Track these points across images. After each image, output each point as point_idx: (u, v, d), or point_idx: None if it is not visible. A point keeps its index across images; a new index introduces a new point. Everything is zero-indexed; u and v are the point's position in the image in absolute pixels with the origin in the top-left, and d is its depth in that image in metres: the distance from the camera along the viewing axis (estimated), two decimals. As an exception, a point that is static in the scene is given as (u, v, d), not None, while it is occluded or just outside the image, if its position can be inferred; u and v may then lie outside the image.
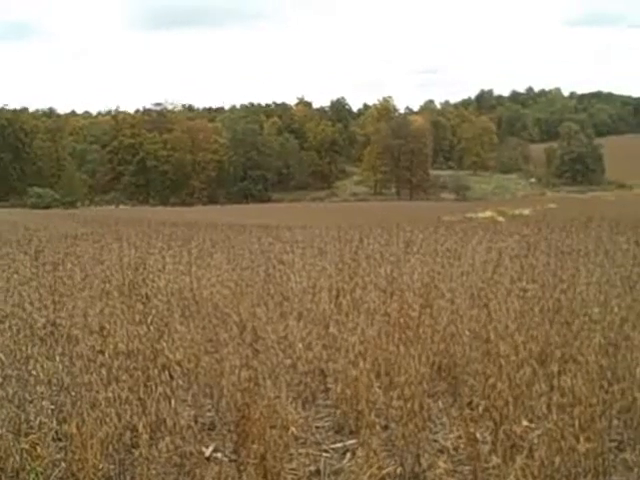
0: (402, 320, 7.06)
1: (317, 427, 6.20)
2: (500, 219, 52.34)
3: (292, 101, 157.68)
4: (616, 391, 5.67)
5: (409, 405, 5.41)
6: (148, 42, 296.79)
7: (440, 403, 6.40)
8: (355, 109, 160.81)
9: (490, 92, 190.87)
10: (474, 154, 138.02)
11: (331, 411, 6.49)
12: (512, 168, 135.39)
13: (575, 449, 4.38)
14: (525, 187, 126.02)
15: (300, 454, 5.36)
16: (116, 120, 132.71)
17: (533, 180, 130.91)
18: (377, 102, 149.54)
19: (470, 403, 5.69)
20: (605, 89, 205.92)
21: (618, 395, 5.69)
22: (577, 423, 4.55)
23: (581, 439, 4.43)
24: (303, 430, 5.87)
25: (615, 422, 5.72)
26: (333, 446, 5.82)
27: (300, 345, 7.12)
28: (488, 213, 66.72)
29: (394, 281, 9.15)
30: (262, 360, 6.24)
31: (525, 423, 4.11)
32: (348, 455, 5.50)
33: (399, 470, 4.88)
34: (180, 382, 5.94)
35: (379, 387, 5.97)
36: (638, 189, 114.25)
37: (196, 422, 5.85)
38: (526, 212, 66.60)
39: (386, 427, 5.76)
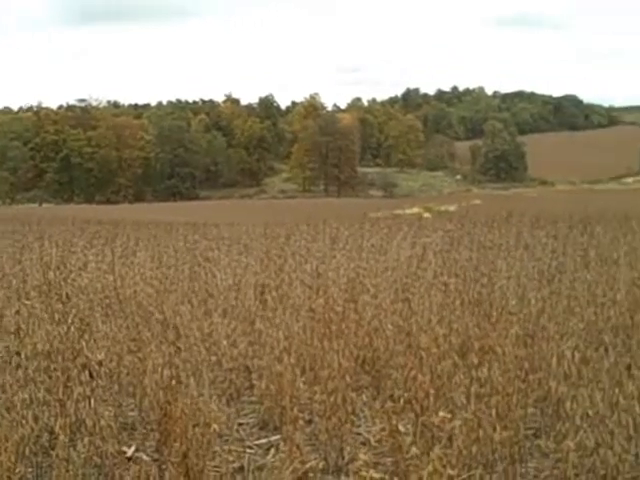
0: (327, 315, 7.10)
1: (242, 424, 6.18)
2: (427, 215, 53.02)
3: (220, 98, 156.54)
4: (533, 381, 5.85)
5: (332, 399, 5.45)
6: (72, 37, 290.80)
7: (364, 396, 6.45)
8: (283, 106, 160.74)
9: (416, 90, 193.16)
10: (401, 152, 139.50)
11: (256, 407, 6.48)
12: (438, 165, 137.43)
13: (492, 438, 4.49)
14: (451, 184, 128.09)
15: (224, 451, 5.33)
16: (38, 116, 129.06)
17: (459, 177, 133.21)
18: (304, 99, 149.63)
19: (392, 396, 5.75)
20: (527, 89, 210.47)
21: (535, 385, 5.86)
22: (494, 412, 4.66)
23: (497, 428, 4.54)
24: (227, 427, 5.84)
25: (532, 410, 5.88)
26: (257, 442, 5.81)
27: (225, 342, 7.10)
28: (415, 209, 67.47)
29: (319, 277, 9.20)
30: (185, 358, 6.20)
31: (442, 414, 4.18)
32: (272, 451, 5.49)
33: (322, 464, 4.90)
34: (101, 382, 5.83)
35: (303, 382, 5.99)
36: (560, 185, 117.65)
37: (118, 422, 5.76)
38: (452, 208, 67.60)
39: (310, 421, 5.79)
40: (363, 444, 5.53)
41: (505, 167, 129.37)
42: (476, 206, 65.22)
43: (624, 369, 5.71)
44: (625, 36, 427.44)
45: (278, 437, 5.61)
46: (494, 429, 4.54)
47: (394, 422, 5.14)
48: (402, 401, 5.27)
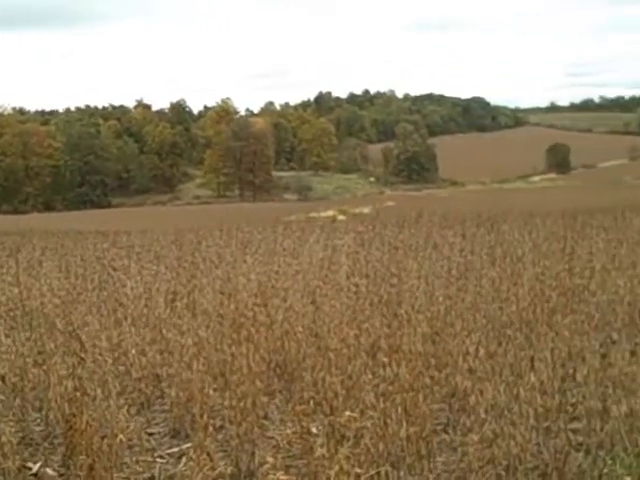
0: (237, 320, 7.08)
1: (152, 433, 6.09)
2: (341, 218, 53.42)
3: (131, 103, 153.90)
4: (441, 377, 5.98)
5: (243, 404, 5.44)
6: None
7: (277, 400, 6.47)
8: (196, 111, 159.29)
9: (328, 94, 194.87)
10: (315, 155, 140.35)
11: (167, 416, 6.39)
12: (352, 168, 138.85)
13: (398, 434, 4.56)
14: (365, 186, 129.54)
15: (134, 462, 5.25)
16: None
17: (372, 179, 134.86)
18: (217, 104, 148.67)
19: (302, 397, 5.78)
20: (436, 91, 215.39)
21: (443, 380, 6.00)
22: (400, 409, 4.74)
23: (404, 424, 4.62)
24: (137, 437, 5.74)
25: (441, 406, 6.00)
26: (169, 451, 5.74)
27: (133, 351, 6.98)
28: (330, 212, 67.95)
29: (230, 282, 9.16)
30: (92, 368, 6.07)
31: (348, 413, 4.23)
32: (184, 459, 5.44)
33: (230, 470, 4.88)
34: (2, 397, 5.65)
35: (214, 388, 5.95)
36: (470, 185, 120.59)
37: (22, 437, 5.60)
38: (366, 210, 68.37)
39: (222, 427, 5.75)
40: (275, 447, 5.53)
41: (417, 168, 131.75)
42: (390, 207, 66.21)
43: (528, 362, 5.92)
44: (528, 40, 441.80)
45: (189, 445, 5.55)
46: (401, 426, 4.62)
47: (304, 424, 5.18)
48: (312, 403, 5.30)
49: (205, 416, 5.33)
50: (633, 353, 5.98)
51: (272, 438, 5.76)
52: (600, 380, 5.59)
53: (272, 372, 6.92)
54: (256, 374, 5.94)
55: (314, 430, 5.07)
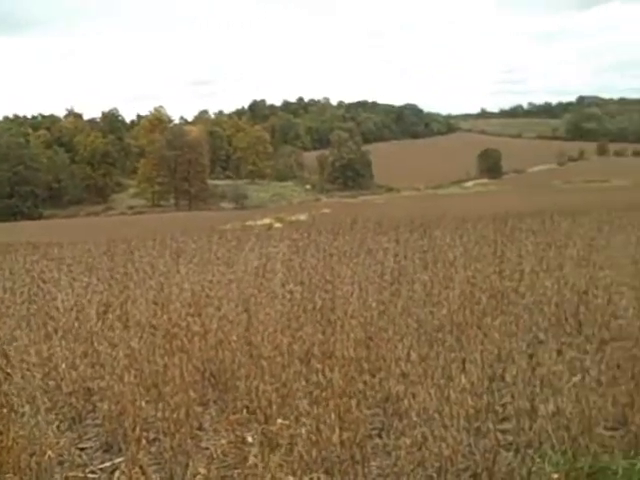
0: (170, 330, 7.02)
1: (84, 448, 5.96)
2: (278, 225, 53.37)
3: (61, 113, 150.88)
4: (375, 382, 6.03)
5: (176, 415, 5.39)
6: None
7: (212, 410, 6.41)
8: (129, 120, 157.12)
9: (263, 102, 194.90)
10: (250, 163, 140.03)
11: (99, 430, 6.28)
12: (288, 176, 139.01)
13: (331, 440, 4.58)
14: (301, 194, 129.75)
15: (64, 478, 5.14)
16: None
17: (308, 187, 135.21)
18: (150, 113, 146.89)
19: (236, 407, 5.76)
20: (370, 98, 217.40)
21: (377, 385, 6.04)
22: (334, 415, 4.76)
23: (337, 430, 4.64)
24: (69, 453, 5.62)
25: (375, 411, 6.04)
26: (101, 466, 5.62)
27: (64, 365, 6.84)
28: (267, 220, 67.82)
29: (164, 292, 9.07)
30: (20, 384, 5.92)
31: (280, 421, 4.23)
32: (117, 474, 5.35)
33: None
34: None
35: (147, 400, 5.87)
36: (405, 191, 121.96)
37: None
38: (303, 218, 68.47)
39: (155, 440, 5.68)
40: (209, 458, 5.49)
41: (352, 175, 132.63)
42: (326, 214, 66.47)
43: (459, 364, 6.02)
44: (459, 48, 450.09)
45: (122, 459, 5.46)
46: (333, 431, 4.64)
47: (239, 433, 5.15)
48: (246, 411, 5.29)
49: (138, 429, 5.27)
50: (559, 352, 6.15)
51: (207, 449, 5.71)
52: (528, 380, 5.72)
53: (206, 382, 6.86)
54: (189, 384, 5.89)
55: (249, 439, 5.05)
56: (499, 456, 4.82)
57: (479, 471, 4.68)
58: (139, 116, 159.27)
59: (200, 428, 5.88)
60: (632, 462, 4.59)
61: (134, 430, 5.23)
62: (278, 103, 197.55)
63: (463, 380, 5.46)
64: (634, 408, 5.38)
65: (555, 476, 4.39)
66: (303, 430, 4.62)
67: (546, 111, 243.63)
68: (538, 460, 4.73)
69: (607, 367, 6.18)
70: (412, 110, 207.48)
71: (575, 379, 5.38)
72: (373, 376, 6.16)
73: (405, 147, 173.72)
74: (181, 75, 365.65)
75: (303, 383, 5.45)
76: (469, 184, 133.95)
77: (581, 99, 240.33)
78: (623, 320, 7.40)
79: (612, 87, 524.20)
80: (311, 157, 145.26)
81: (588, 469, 4.60)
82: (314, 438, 4.59)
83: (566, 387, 5.35)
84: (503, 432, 5.42)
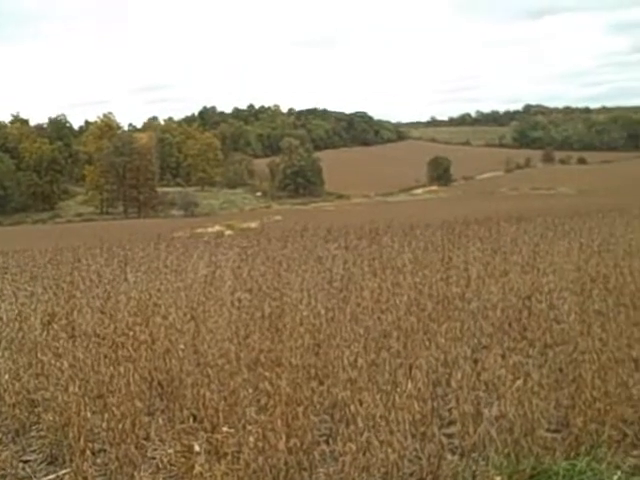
0: (117, 340, 6.94)
1: (28, 460, 5.86)
2: (229, 233, 53.19)
3: (6, 118, 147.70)
4: (323, 389, 6.06)
5: (122, 425, 5.33)
6: None
7: (160, 419, 6.36)
8: (77, 126, 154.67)
9: (213, 109, 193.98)
10: (200, 170, 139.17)
11: (43, 442, 6.17)
12: (238, 183, 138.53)
13: (277, 447, 4.59)
14: (252, 201, 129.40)
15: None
16: None
17: (259, 194, 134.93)
18: (98, 119, 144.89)
19: (183, 415, 5.72)
20: (320, 106, 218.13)
21: (325, 392, 6.07)
22: (280, 422, 4.77)
23: (283, 437, 4.65)
24: (11, 466, 5.53)
25: (324, 417, 6.06)
26: (45, 479, 5.54)
27: (7, 376, 6.71)
28: (217, 228, 67.58)
29: (111, 301, 8.97)
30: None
31: (225, 429, 4.23)
32: (61, 485, 5.27)
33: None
34: None
35: (93, 411, 5.80)
36: (355, 199, 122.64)
37: None
38: (253, 225, 68.35)
39: (101, 451, 5.61)
40: (156, 468, 5.45)
41: (303, 182, 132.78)
42: (277, 222, 66.41)
43: (405, 370, 6.08)
44: (409, 56, 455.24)
45: (67, 470, 5.38)
46: (280, 439, 4.64)
47: (186, 442, 5.13)
48: (193, 420, 5.27)
49: (83, 440, 5.20)
50: (503, 357, 6.26)
51: (153, 458, 5.67)
52: (473, 384, 5.81)
53: (154, 391, 6.81)
54: (136, 394, 5.84)
55: (196, 448, 5.03)
56: (444, 460, 4.88)
57: (424, 475, 4.74)
58: (87, 122, 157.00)
59: (147, 438, 5.82)
60: (573, 463, 4.69)
61: (79, 441, 5.16)
62: (228, 110, 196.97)
63: (409, 385, 5.51)
64: (575, 410, 5.50)
65: (498, 478, 4.47)
66: (250, 438, 4.62)
67: (494, 119, 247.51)
68: (482, 463, 4.81)
69: (550, 371, 6.32)
70: (362, 118, 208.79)
71: (518, 383, 5.47)
72: (321, 383, 6.19)
73: (356, 154, 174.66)
74: (130, 81, 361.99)
75: (250, 391, 5.44)
76: (419, 191, 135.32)
77: (528, 108, 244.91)
78: (566, 324, 7.55)
79: (557, 96, 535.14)
80: (262, 164, 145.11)
81: (530, 471, 4.69)
82: (261, 445, 4.59)
83: (509, 391, 5.44)
84: (449, 436, 5.49)
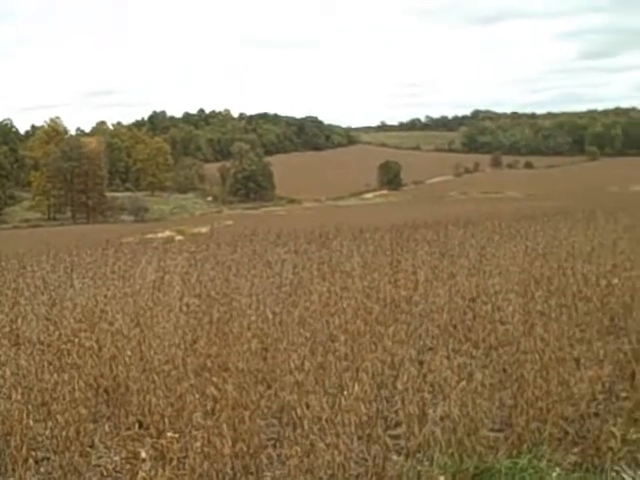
0: (62, 347, 6.85)
1: (-32, 472, 5.75)
2: (179, 238, 52.70)
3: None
4: (271, 393, 6.07)
5: (66, 433, 5.27)
6: None
7: (106, 427, 6.29)
8: (23, 131, 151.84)
9: (163, 113, 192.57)
10: (150, 175, 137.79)
11: (-15, 452, 6.06)
12: (189, 188, 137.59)
13: (223, 452, 4.58)
14: (202, 206, 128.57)
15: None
16: None
17: (210, 199, 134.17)
18: (45, 123, 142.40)
19: (129, 422, 5.68)
20: (271, 110, 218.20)
21: (273, 396, 6.08)
22: (226, 427, 4.76)
23: (229, 442, 4.65)
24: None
25: (272, 421, 6.07)
26: (-13, 489, 5.44)
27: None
28: (167, 233, 66.88)
29: (56, 307, 8.84)
30: None
31: (170, 434, 4.21)
32: (4, 496, 5.19)
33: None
34: None
35: (36, 419, 5.72)
36: (306, 203, 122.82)
37: None
38: (204, 230, 67.72)
39: (44, 459, 5.54)
40: (101, 476, 5.39)
41: (254, 187, 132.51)
42: (228, 226, 66.14)
43: (352, 372, 6.13)
44: (359, 61, 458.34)
45: (11, 480, 5.30)
46: (225, 443, 4.64)
47: (132, 449, 5.10)
48: (138, 426, 5.23)
49: (25, 448, 5.13)
50: (448, 358, 6.35)
51: (98, 466, 5.61)
52: (419, 386, 5.88)
53: (100, 398, 6.73)
54: (81, 401, 5.77)
55: (143, 454, 5.00)
56: (389, 461, 4.94)
57: (370, 476, 4.78)
58: (34, 127, 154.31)
59: (92, 445, 5.76)
60: (515, 461, 4.79)
61: (21, 450, 5.08)
62: (179, 115, 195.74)
63: (356, 388, 5.56)
64: (518, 410, 5.61)
65: (442, 478, 4.54)
66: (196, 443, 4.61)
67: (443, 124, 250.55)
68: (427, 463, 4.88)
69: (494, 371, 6.43)
70: (313, 122, 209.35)
71: (462, 384, 5.56)
72: (269, 387, 6.20)
73: (307, 159, 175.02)
74: (78, 85, 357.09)
75: (197, 396, 5.43)
76: (369, 195, 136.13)
77: (476, 113, 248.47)
78: (510, 325, 7.69)
79: (505, 102, 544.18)
80: (212, 169, 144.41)
81: (474, 470, 4.77)
82: (206, 450, 4.58)
83: (454, 392, 5.52)
84: (395, 437, 5.56)
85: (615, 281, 9.45)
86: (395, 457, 5.22)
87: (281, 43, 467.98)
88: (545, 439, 5.26)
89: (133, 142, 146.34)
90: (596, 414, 5.89)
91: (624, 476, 2.82)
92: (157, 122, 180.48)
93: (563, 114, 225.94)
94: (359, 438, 5.23)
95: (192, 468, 4.37)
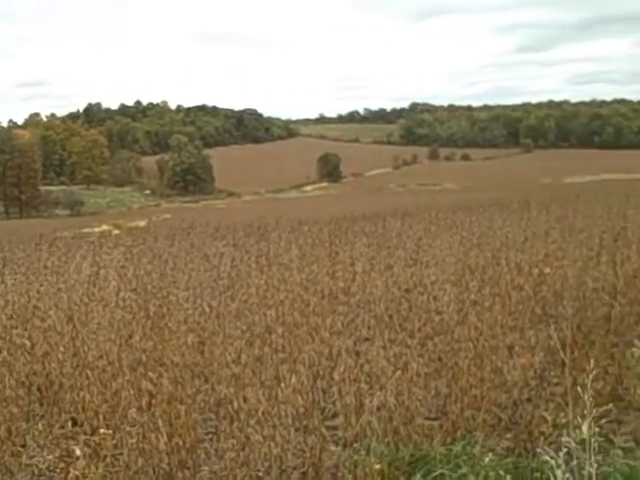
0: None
1: None
2: (116, 232, 51.90)
3: None
4: (208, 387, 6.04)
5: (-5, 432, 5.15)
6: None
7: (40, 425, 6.17)
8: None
9: (98, 105, 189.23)
10: (86, 168, 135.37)
11: None
12: (126, 181, 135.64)
13: (158, 447, 4.54)
14: (140, 199, 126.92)
15: None
16: None
17: (148, 192, 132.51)
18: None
19: (63, 420, 5.59)
20: (210, 103, 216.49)
21: (210, 390, 6.05)
22: (161, 422, 4.72)
23: (164, 436, 4.61)
24: None
25: (209, 415, 6.04)
26: None
27: None
28: (104, 227, 65.85)
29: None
30: None
31: (103, 431, 4.16)
32: None
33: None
34: None
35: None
36: (246, 196, 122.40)
37: None
38: (142, 224, 66.92)
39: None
40: (33, 475, 5.29)
41: (193, 180, 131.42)
42: (166, 220, 65.46)
43: (290, 364, 6.14)
44: (298, 54, 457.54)
45: None
46: (160, 438, 4.60)
47: (65, 447, 5.01)
48: (72, 424, 5.15)
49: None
50: (384, 348, 6.41)
51: (31, 465, 5.50)
52: (356, 376, 5.92)
53: (32, 396, 6.60)
54: (12, 399, 5.65)
55: (77, 452, 4.92)
56: (327, 451, 4.97)
57: (307, 467, 4.81)
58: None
59: (24, 445, 5.65)
60: (449, 448, 4.87)
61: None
62: (115, 107, 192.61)
63: (293, 380, 5.57)
64: (452, 398, 5.70)
65: (377, 467, 4.59)
66: (130, 439, 4.55)
67: (382, 117, 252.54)
68: (363, 453, 4.92)
69: (429, 360, 6.52)
70: (252, 115, 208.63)
71: (398, 373, 5.62)
72: (206, 381, 6.16)
73: (246, 152, 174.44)
74: (10, 76, 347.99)
75: (132, 392, 5.36)
76: (309, 188, 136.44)
77: (414, 105, 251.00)
78: (446, 315, 7.79)
79: (442, 95, 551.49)
80: (150, 162, 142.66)
81: (409, 458, 4.84)
82: (141, 446, 4.53)
83: (390, 382, 5.58)
84: (333, 428, 5.60)
85: (547, 270, 9.67)
86: (333, 447, 5.27)
87: (220, 36, 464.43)
88: (479, 426, 5.37)
89: (68, 134, 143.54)
90: (528, 400, 6.03)
91: (546, 458, 2.91)
92: (93, 114, 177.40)
93: (498, 107, 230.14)
94: (296, 430, 5.25)
95: (127, 464, 4.31)
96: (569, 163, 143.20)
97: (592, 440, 2.96)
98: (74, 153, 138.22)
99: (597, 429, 3.03)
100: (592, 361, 3.29)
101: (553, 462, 2.88)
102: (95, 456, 4.67)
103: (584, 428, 2.93)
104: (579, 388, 3.13)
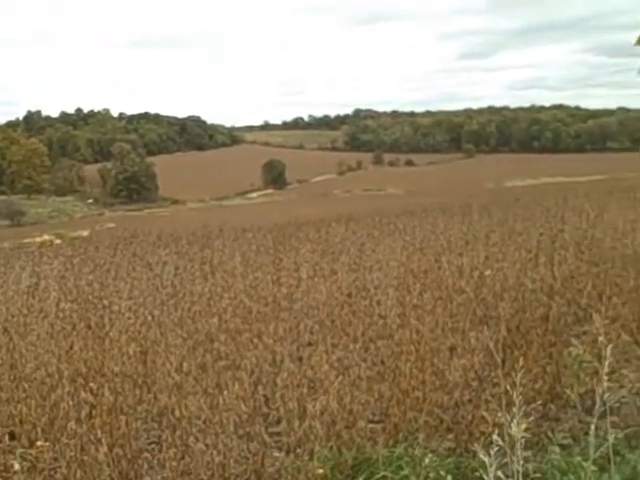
0: None
1: None
2: (58, 242, 51.05)
3: None
4: (150, 396, 5.99)
5: None
6: None
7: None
8: None
9: (39, 113, 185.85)
10: (26, 177, 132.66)
11: None
12: (68, 190, 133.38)
13: (97, 458, 4.48)
14: (83, 208, 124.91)
15: None
16: None
17: (90, 201, 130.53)
18: None
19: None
20: (152, 110, 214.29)
21: (152, 399, 6.00)
22: (100, 432, 4.66)
23: (104, 447, 4.55)
24: None
25: (152, 425, 5.98)
26: None
27: None
28: (46, 237, 64.64)
29: None
30: None
31: (40, 443, 4.09)
32: None
33: None
34: None
35: None
36: (190, 204, 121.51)
37: None
38: (85, 233, 66.10)
39: None
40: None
41: (137, 188, 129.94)
42: (110, 229, 64.63)
43: (233, 371, 6.12)
44: (242, 60, 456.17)
45: None
46: (99, 449, 4.54)
47: (3, 461, 4.91)
48: (10, 438, 5.04)
49: None
50: (327, 353, 6.44)
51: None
52: (298, 382, 5.94)
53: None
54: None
55: (16, 466, 4.82)
56: (269, 458, 4.97)
57: (249, 474, 4.80)
58: None
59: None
60: (392, 450, 4.91)
61: None
62: (55, 114, 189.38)
63: (236, 387, 5.56)
64: (394, 400, 5.75)
65: (320, 471, 4.61)
66: (68, 451, 4.48)
67: (326, 123, 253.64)
68: (306, 457, 4.94)
69: (372, 364, 6.57)
70: (196, 122, 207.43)
71: (340, 378, 5.66)
72: (148, 390, 6.11)
73: (190, 159, 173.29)
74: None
75: (72, 403, 5.28)
76: (254, 195, 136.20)
77: (358, 112, 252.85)
78: (389, 319, 7.86)
79: (386, 101, 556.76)
80: (92, 170, 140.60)
81: (352, 461, 4.86)
82: (80, 458, 4.47)
83: (333, 386, 5.60)
84: (276, 434, 5.59)
85: (487, 272, 9.83)
86: (276, 453, 5.27)
87: (162, 43, 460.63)
88: (421, 427, 5.43)
89: (7, 143, 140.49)
90: (469, 401, 6.11)
91: (481, 456, 2.97)
92: (33, 122, 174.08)
93: (441, 112, 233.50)
94: (239, 437, 5.23)
95: (65, 477, 4.24)
96: (510, 167, 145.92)
97: (520, 437, 3.02)
98: (14, 162, 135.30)
99: (534, 427, 3.10)
100: (521, 360, 3.36)
101: (486, 459, 2.94)
102: (33, 470, 4.59)
103: (512, 426, 3.00)
104: (508, 387, 3.20)
